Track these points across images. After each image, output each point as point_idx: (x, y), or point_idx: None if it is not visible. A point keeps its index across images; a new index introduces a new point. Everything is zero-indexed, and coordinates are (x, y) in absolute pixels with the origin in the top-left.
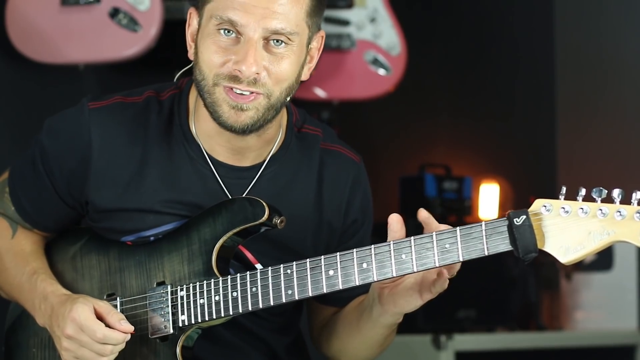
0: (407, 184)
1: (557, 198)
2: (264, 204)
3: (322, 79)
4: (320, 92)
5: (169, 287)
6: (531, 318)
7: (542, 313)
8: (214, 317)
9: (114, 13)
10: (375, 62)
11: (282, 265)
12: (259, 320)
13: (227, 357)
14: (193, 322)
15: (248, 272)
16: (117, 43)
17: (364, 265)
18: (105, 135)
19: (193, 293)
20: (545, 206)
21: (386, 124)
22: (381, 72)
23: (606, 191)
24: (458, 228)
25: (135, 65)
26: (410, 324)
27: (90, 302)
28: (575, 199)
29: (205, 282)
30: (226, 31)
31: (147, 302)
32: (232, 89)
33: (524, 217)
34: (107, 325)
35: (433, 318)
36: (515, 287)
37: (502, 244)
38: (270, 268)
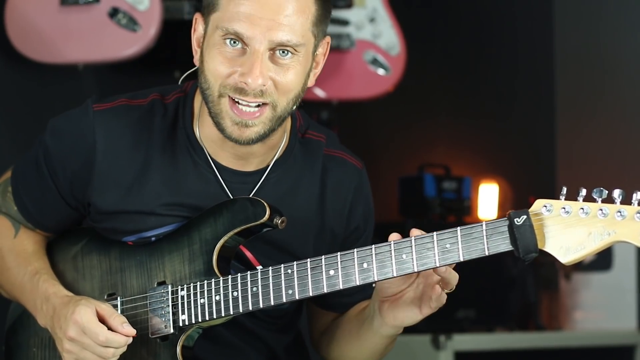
0: (407, 184)
1: (557, 198)
2: (265, 204)
3: (321, 79)
4: (319, 92)
5: (169, 286)
6: (530, 318)
7: (541, 313)
8: (215, 316)
9: (114, 13)
10: (375, 62)
11: (282, 265)
12: (259, 321)
13: (227, 357)
14: (193, 321)
15: (249, 272)
16: (116, 43)
17: (365, 265)
18: (109, 137)
19: (194, 293)
20: (545, 206)
21: (386, 124)
22: (380, 72)
23: (607, 191)
24: (459, 228)
25: (134, 65)
26: None
27: (93, 305)
28: (576, 200)
29: (205, 281)
30: (232, 42)
31: (148, 301)
32: (237, 102)
33: (525, 217)
34: (109, 328)
35: (432, 318)
36: (514, 287)
37: (503, 244)
38: (270, 268)
